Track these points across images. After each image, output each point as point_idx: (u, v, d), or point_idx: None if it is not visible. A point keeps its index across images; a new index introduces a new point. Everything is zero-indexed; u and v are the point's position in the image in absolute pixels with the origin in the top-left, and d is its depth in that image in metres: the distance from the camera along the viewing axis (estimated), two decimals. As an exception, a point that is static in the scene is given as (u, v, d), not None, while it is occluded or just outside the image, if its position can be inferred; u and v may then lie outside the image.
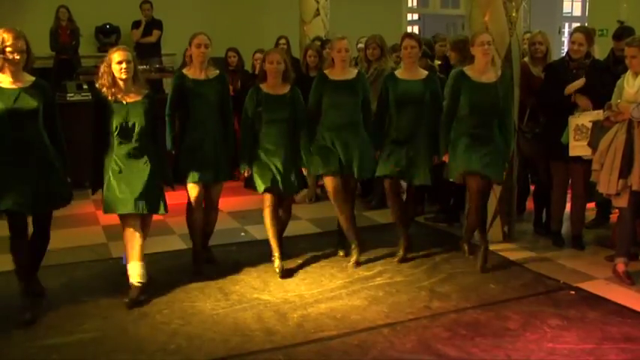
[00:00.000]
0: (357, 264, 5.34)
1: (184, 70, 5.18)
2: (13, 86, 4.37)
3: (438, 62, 6.82)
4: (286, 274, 5.14)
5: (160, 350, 3.96)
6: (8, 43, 4.28)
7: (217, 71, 5.20)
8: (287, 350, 3.93)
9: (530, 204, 6.51)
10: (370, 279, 5.04)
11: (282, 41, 8.43)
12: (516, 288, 4.85)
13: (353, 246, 5.41)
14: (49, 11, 9.71)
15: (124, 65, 4.58)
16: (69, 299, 4.74)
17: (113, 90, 4.63)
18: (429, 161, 5.32)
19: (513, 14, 5.66)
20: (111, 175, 4.66)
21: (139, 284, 4.65)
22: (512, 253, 5.62)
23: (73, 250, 5.79)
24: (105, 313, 4.47)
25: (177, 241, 6.01)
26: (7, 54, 4.29)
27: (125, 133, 4.64)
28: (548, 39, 6.12)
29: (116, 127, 4.62)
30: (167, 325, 4.27)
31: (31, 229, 4.60)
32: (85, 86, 8.57)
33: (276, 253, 5.20)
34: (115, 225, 5.24)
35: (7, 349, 4.02)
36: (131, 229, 4.70)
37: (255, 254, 5.58)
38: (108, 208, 4.69)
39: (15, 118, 4.33)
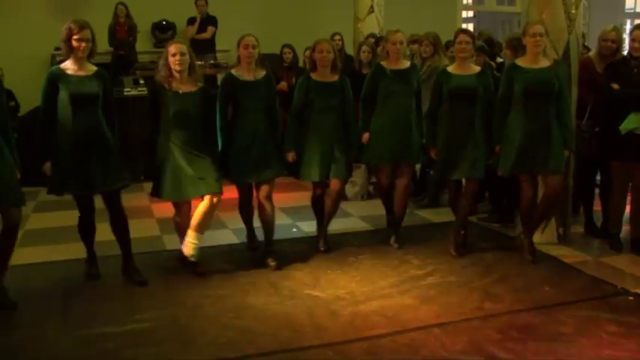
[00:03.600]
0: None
1: (233, 71, 5.26)
2: (77, 74, 4.65)
3: (499, 60, 6.72)
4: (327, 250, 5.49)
5: (211, 343, 3.99)
6: (75, 32, 4.54)
7: (264, 71, 5.26)
8: (337, 347, 3.92)
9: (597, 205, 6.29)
10: (422, 278, 5.00)
11: (337, 37, 8.43)
12: (571, 291, 4.74)
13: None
14: (108, 8, 9.90)
15: (177, 57, 4.78)
16: (124, 290, 4.84)
17: (170, 80, 4.83)
18: (484, 156, 5.30)
19: (572, 11, 5.54)
20: (167, 162, 4.85)
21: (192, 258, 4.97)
22: (568, 255, 5.50)
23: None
24: (158, 305, 4.54)
25: (230, 236, 6.07)
26: (74, 42, 4.56)
27: (180, 121, 4.83)
28: (621, 37, 5.94)
29: (172, 116, 4.81)
30: (218, 319, 4.31)
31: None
32: (142, 81, 8.76)
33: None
34: (169, 219, 5.35)
35: (64, 336, 4.11)
36: (184, 214, 5.01)
37: (306, 250, 5.60)
38: (163, 195, 4.92)
39: (77, 104, 4.61)
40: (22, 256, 5.58)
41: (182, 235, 5.07)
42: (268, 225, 5.32)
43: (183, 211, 5.09)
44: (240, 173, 5.18)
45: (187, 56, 4.83)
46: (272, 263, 5.18)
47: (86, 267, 5.08)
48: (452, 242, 5.49)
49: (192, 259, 4.98)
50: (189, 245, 4.93)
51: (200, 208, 4.93)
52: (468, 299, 4.60)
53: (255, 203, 5.46)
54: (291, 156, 5.34)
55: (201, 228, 4.94)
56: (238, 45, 5.17)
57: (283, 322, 4.25)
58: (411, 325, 4.18)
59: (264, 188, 5.24)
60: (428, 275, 5.06)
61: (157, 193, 4.99)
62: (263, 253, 5.37)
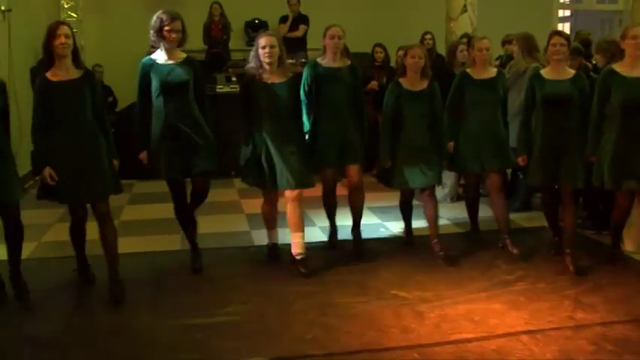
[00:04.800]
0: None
1: (318, 59, 5.32)
2: (167, 62, 4.81)
3: (594, 61, 6.49)
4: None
5: (297, 339, 4.03)
6: (166, 23, 4.70)
7: (349, 61, 5.30)
8: (422, 349, 3.88)
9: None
10: (511, 283, 4.89)
11: (428, 37, 8.36)
12: (670, 304, 4.54)
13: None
14: (204, 7, 10.13)
15: (267, 50, 4.86)
16: (212, 283, 4.94)
17: (260, 71, 4.92)
18: (581, 164, 5.10)
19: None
20: (259, 152, 4.95)
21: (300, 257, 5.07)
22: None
23: (217, 236, 6.03)
24: (246, 299, 4.61)
25: (317, 233, 6.10)
26: (165, 33, 4.72)
27: (270, 112, 4.91)
28: None
29: (262, 107, 4.91)
30: (305, 315, 4.34)
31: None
32: (234, 78, 8.92)
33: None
34: (258, 214, 5.43)
35: (155, 324, 4.25)
36: (272, 203, 5.12)
37: (394, 250, 5.57)
38: (260, 186, 5.04)
39: (168, 91, 4.77)
40: (116, 245, 5.80)
41: (269, 225, 5.22)
42: (357, 214, 5.48)
43: (271, 200, 5.18)
44: (323, 160, 5.26)
45: (277, 48, 4.91)
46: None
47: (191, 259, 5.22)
48: (570, 262, 5.18)
49: (299, 257, 5.07)
50: (297, 245, 5.06)
51: (289, 208, 5.03)
52: (558, 307, 4.46)
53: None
54: (387, 163, 5.31)
55: (301, 225, 5.06)
56: (324, 35, 5.23)
57: (369, 322, 4.24)
58: (499, 331, 4.10)
59: (352, 174, 5.31)
60: (517, 280, 4.93)
61: (244, 179, 5.11)
62: (355, 246, 5.47)
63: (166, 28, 4.71)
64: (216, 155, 4.99)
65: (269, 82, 4.93)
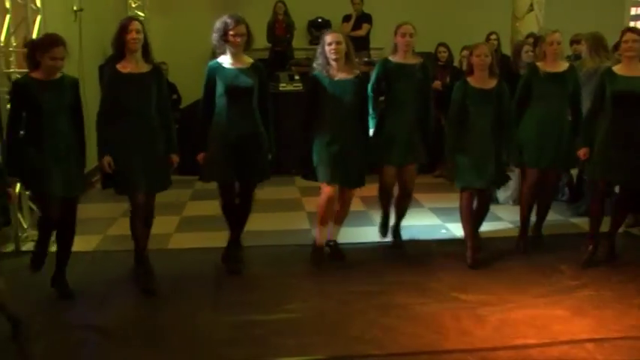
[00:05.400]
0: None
1: (389, 57, 5.32)
2: (233, 66, 4.84)
3: None
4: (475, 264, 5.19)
5: (356, 338, 4.02)
6: (231, 27, 4.74)
7: (421, 59, 5.30)
8: (482, 353, 3.83)
9: None
10: (575, 289, 4.76)
11: (493, 37, 8.23)
12: None
13: None
14: (268, 6, 10.22)
15: (333, 46, 4.91)
16: (273, 280, 4.98)
17: (327, 68, 4.96)
18: None
19: None
20: (321, 148, 4.99)
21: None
22: None
23: (278, 234, 6.07)
24: (305, 297, 4.63)
25: (376, 233, 6.06)
26: (230, 37, 4.76)
27: (335, 108, 4.95)
28: None
29: (327, 103, 4.95)
30: (364, 315, 4.33)
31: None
32: (297, 77, 8.96)
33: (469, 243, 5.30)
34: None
35: (215, 319, 4.31)
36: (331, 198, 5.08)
37: (454, 252, 5.49)
38: (319, 177, 5.07)
39: (232, 96, 4.81)
40: (178, 240, 5.92)
41: (324, 221, 5.22)
42: (401, 212, 5.52)
43: (331, 195, 5.12)
44: (385, 157, 5.26)
45: (343, 45, 4.95)
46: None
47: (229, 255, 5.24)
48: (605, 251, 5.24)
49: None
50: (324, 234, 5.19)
51: (343, 203, 5.14)
52: (625, 316, 4.32)
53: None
54: (452, 163, 5.27)
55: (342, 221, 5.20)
56: (395, 33, 5.24)
57: (428, 324, 4.20)
58: (562, 338, 4.00)
59: (407, 172, 5.31)
60: (582, 287, 4.81)
61: (311, 176, 5.13)
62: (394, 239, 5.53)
63: (231, 32, 4.75)
64: (268, 165, 5.04)
65: (335, 78, 4.96)
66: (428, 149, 5.40)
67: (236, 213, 5.09)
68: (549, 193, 5.65)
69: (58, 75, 4.48)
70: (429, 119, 5.40)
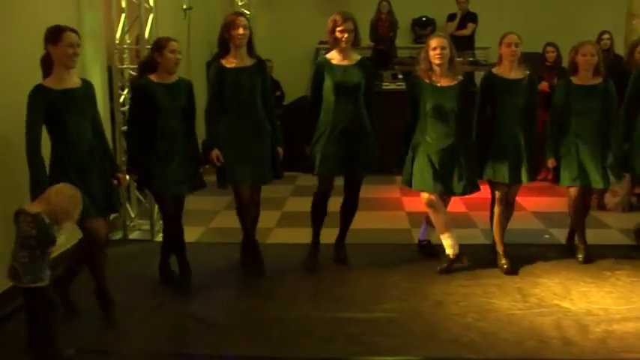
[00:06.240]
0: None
1: (494, 69, 5.17)
2: (341, 63, 4.90)
3: None
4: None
5: (453, 341, 3.97)
6: (339, 23, 4.79)
7: (528, 72, 5.11)
8: (585, 364, 3.71)
9: None
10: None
11: (606, 37, 7.91)
12: None
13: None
14: (372, 4, 10.21)
15: (438, 51, 4.85)
16: (371, 278, 4.97)
17: (429, 73, 4.90)
18: None
19: None
20: (420, 154, 4.93)
21: (451, 255, 5.03)
22: None
23: (377, 232, 6.06)
24: (403, 296, 4.61)
25: (478, 235, 5.98)
26: (337, 33, 4.81)
27: (439, 114, 4.87)
28: None
29: (430, 109, 4.89)
30: (462, 318, 4.27)
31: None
32: (400, 76, 8.91)
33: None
34: (419, 213, 5.40)
35: (312, 315, 4.35)
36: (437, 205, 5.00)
37: (558, 258, 5.34)
38: (413, 184, 5.01)
39: (340, 92, 4.86)
40: (278, 235, 6.01)
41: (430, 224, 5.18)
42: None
43: (435, 202, 5.04)
44: (496, 173, 5.06)
45: (447, 50, 4.87)
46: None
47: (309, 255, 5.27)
48: None
49: (451, 256, 5.06)
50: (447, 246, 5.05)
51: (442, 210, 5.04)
52: None
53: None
54: (551, 162, 5.15)
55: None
56: (500, 43, 5.09)
57: (528, 331, 4.09)
58: (675, 354, 3.81)
59: (512, 190, 5.16)
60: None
61: (406, 182, 5.10)
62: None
63: (339, 28, 4.81)
64: (374, 160, 5.04)
65: (438, 84, 4.90)
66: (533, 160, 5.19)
67: (342, 210, 5.20)
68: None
69: (175, 78, 4.65)
70: (535, 132, 5.16)
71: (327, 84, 4.89)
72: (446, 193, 5.00)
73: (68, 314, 4.13)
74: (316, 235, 5.21)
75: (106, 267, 4.24)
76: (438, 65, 4.86)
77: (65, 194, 3.58)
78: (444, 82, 4.90)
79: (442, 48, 4.84)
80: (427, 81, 4.91)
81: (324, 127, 4.91)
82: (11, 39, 4.45)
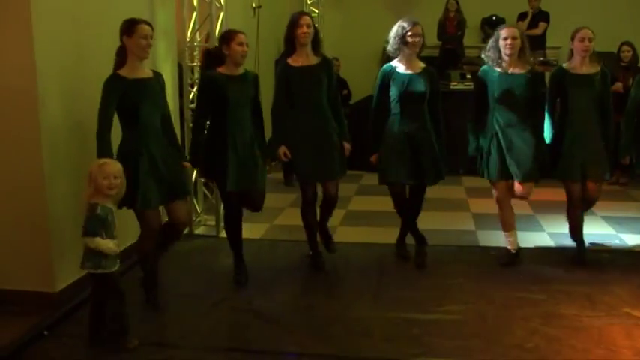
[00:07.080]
0: None
1: (565, 65, 5.11)
2: (406, 71, 4.90)
3: None
4: None
5: (517, 346, 3.89)
6: (408, 28, 4.81)
7: (599, 67, 5.01)
8: (656, 376, 3.59)
9: None
10: None
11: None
12: None
13: None
14: (439, 2, 10.12)
15: (509, 42, 4.83)
16: (434, 279, 4.94)
17: (499, 61, 4.89)
18: None
19: None
20: (493, 143, 4.93)
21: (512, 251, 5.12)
22: None
23: (441, 233, 5.98)
24: (467, 299, 4.56)
25: (545, 238, 5.87)
26: (408, 38, 4.83)
27: (508, 102, 4.86)
28: None
29: (497, 96, 4.88)
30: (527, 322, 4.18)
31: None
32: (468, 75, 8.79)
33: None
34: (485, 214, 5.33)
35: (374, 314, 4.33)
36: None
37: (628, 264, 5.19)
38: (489, 175, 5.01)
39: (405, 100, 4.87)
40: (343, 234, 6.01)
41: (506, 227, 5.16)
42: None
43: (503, 194, 5.05)
44: (567, 172, 5.01)
45: (519, 40, 4.84)
46: None
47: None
48: None
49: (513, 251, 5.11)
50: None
51: (509, 204, 5.05)
52: None
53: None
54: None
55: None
56: (572, 38, 5.02)
57: (596, 338, 3.97)
58: None
59: (592, 191, 5.09)
60: None
61: (483, 173, 5.09)
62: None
63: (409, 33, 4.81)
64: (443, 167, 5.01)
65: (508, 71, 4.88)
66: (609, 161, 5.10)
67: (405, 212, 5.19)
68: None
69: (241, 70, 4.71)
70: (609, 130, 5.06)
71: (392, 92, 4.91)
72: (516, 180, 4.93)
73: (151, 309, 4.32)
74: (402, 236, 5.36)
75: (158, 258, 4.39)
76: (508, 55, 4.84)
77: (95, 164, 3.69)
78: (514, 70, 4.88)
79: (513, 38, 4.81)
80: (497, 68, 4.89)
81: (389, 136, 4.93)
82: (86, 36, 4.61)
